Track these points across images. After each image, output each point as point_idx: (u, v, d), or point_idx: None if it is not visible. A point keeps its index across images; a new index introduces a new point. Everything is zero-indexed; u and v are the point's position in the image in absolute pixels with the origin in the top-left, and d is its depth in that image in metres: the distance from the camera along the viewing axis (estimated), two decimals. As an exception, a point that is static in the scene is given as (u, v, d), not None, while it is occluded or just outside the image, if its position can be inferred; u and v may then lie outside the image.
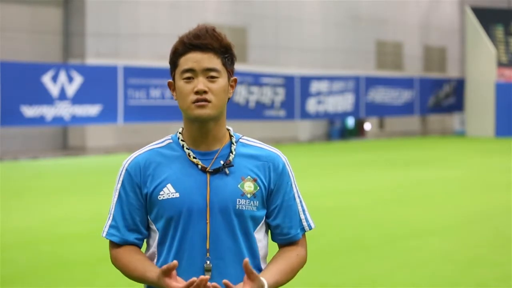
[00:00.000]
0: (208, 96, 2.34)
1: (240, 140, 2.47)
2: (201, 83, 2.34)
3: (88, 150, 22.46)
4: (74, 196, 12.38)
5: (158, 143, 2.47)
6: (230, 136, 2.46)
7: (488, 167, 17.54)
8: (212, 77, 2.36)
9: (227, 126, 2.46)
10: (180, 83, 2.37)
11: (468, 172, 16.34)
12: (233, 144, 2.44)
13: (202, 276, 2.21)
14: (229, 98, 2.43)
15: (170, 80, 2.45)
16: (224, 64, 2.38)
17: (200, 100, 2.34)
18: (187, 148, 2.41)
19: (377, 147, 25.36)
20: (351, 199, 12.02)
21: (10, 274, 6.98)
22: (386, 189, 13.43)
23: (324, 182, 14.57)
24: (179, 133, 2.46)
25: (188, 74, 2.36)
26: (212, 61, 2.35)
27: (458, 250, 8.02)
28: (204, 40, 2.34)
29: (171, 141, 2.46)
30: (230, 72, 2.41)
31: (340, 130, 30.24)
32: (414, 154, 21.96)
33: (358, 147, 25.89)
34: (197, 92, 2.34)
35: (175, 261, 2.23)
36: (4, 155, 20.42)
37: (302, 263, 2.48)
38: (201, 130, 2.39)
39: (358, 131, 30.87)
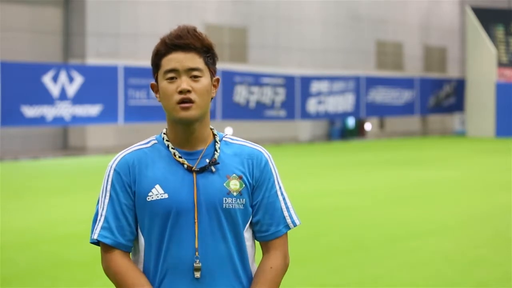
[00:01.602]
0: (192, 96, 2.34)
1: (224, 139, 2.48)
2: (184, 82, 2.35)
3: (88, 150, 22.46)
4: (74, 196, 12.38)
5: (143, 144, 2.47)
6: (214, 135, 2.46)
7: (488, 167, 17.54)
8: (195, 76, 2.36)
9: (210, 126, 2.46)
10: (163, 83, 2.38)
11: (468, 172, 16.34)
12: (217, 142, 2.44)
13: None
14: (212, 98, 2.43)
15: (153, 82, 2.45)
16: (206, 64, 2.39)
17: (185, 100, 2.34)
18: (172, 148, 2.41)
19: (377, 147, 25.36)
20: (351, 199, 12.02)
21: (10, 274, 6.98)
22: (386, 189, 13.42)
23: (324, 182, 14.57)
24: (164, 133, 2.46)
25: (171, 75, 2.36)
26: (194, 60, 2.36)
27: (458, 250, 8.02)
28: (186, 40, 2.35)
29: (156, 141, 2.46)
30: (213, 71, 2.42)
31: (340, 130, 30.23)
32: (414, 154, 21.96)
33: (358, 147, 25.89)
34: (180, 92, 2.34)
35: None
36: (4, 155, 20.42)
37: (280, 272, 2.45)
38: (185, 130, 2.39)
39: (358, 131, 30.86)
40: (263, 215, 2.45)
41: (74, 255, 7.77)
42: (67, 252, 7.97)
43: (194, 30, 2.38)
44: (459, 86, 33.21)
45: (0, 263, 7.35)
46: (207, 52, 2.39)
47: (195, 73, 2.36)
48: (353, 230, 9.31)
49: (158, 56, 2.39)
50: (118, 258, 2.39)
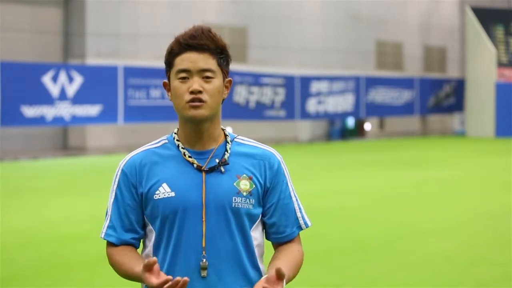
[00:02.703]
0: (203, 96, 2.35)
1: (235, 139, 2.48)
2: (196, 83, 2.35)
3: (88, 150, 22.46)
4: (74, 196, 12.38)
5: (154, 144, 2.48)
6: (225, 135, 2.47)
7: (488, 167, 17.54)
8: (207, 77, 2.37)
9: (222, 126, 2.47)
10: (175, 83, 2.38)
11: (468, 172, 16.34)
12: (228, 143, 2.44)
13: (180, 278, 2.19)
14: (224, 99, 2.44)
15: (165, 81, 2.46)
16: (219, 65, 2.39)
17: (195, 100, 2.35)
18: (182, 148, 2.42)
19: (377, 147, 25.36)
20: (351, 199, 12.02)
21: (10, 274, 6.98)
22: (386, 189, 13.43)
23: (324, 182, 14.57)
24: (175, 133, 2.47)
25: (183, 74, 2.37)
26: (207, 61, 2.36)
27: (458, 250, 8.02)
28: (200, 40, 2.36)
29: (166, 141, 2.47)
30: (225, 72, 2.42)
31: (340, 130, 30.24)
32: (414, 154, 21.96)
33: (358, 147, 25.89)
34: (192, 92, 2.35)
35: (154, 258, 2.21)
36: (4, 155, 20.42)
37: (302, 260, 2.49)
38: (196, 130, 2.40)
39: (358, 131, 30.87)
40: (279, 217, 2.47)
41: (74, 255, 7.77)
42: (67, 252, 7.97)
43: (209, 30, 2.38)
44: (459, 86, 33.22)
45: (0, 263, 7.35)
46: (221, 53, 2.39)
47: (207, 74, 2.36)
48: (353, 230, 9.31)
49: (171, 55, 2.40)
50: (120, 250, 2.42)
